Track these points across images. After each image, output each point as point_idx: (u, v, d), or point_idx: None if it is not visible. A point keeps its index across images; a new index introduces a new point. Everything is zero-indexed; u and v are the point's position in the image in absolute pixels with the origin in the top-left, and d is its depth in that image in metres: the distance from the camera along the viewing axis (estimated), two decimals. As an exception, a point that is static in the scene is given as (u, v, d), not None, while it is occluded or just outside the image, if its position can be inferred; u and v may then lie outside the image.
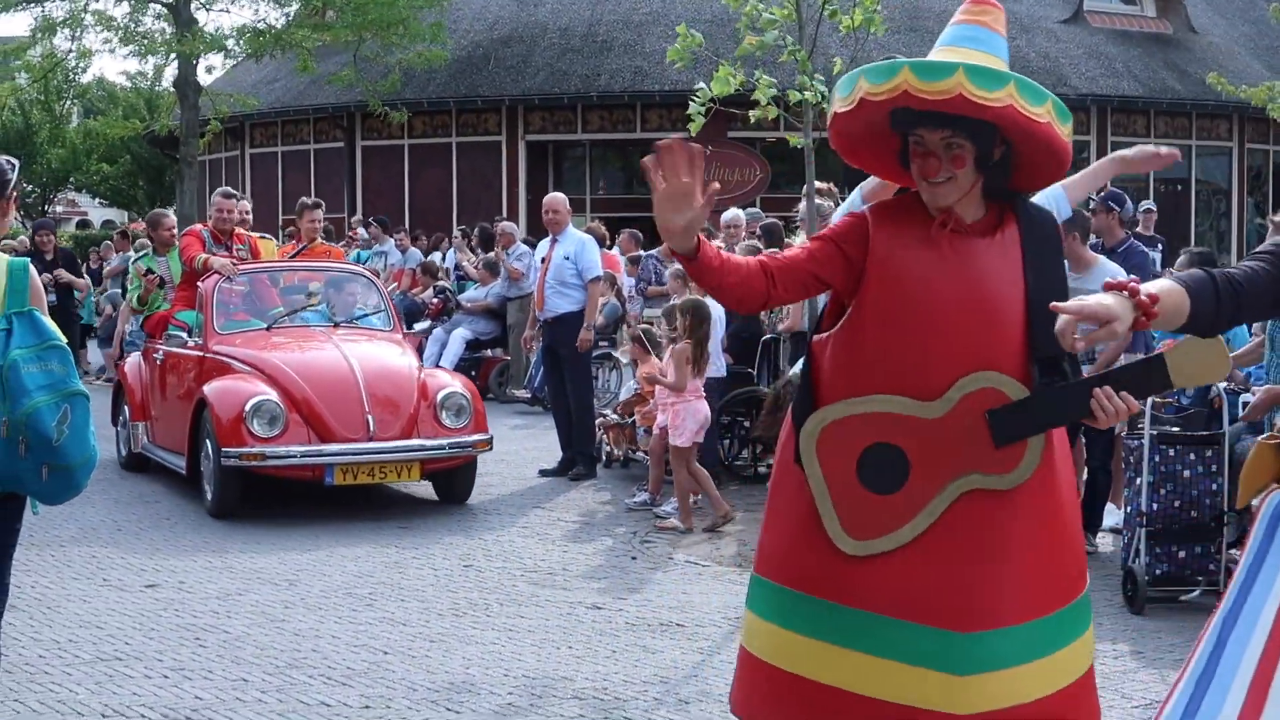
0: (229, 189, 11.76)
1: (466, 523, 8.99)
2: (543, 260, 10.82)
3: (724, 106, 8.41)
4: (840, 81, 3.48)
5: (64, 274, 16.11)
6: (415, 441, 9.03)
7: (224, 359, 9.55)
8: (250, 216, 12.88)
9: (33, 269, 4.07)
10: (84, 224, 50.06)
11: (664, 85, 22.99)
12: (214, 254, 10.52)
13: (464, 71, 24.95)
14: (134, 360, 11.20)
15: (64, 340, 4.00)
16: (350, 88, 24.36)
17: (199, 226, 11.26)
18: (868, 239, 3.44)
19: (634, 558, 8.06)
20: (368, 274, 11.54)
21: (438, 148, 25.60)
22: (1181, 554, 6.88)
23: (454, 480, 9.51)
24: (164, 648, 6.11)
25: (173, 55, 24.02)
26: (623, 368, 12.84)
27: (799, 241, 9.77)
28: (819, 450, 3.44)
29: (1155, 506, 6.86)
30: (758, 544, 3.70)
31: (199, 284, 10.31)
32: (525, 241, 16.22)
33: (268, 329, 10.02)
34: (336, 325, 10.21)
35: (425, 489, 9.82)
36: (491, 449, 9.56)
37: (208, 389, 9.17)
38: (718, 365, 9.91)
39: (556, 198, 11.10)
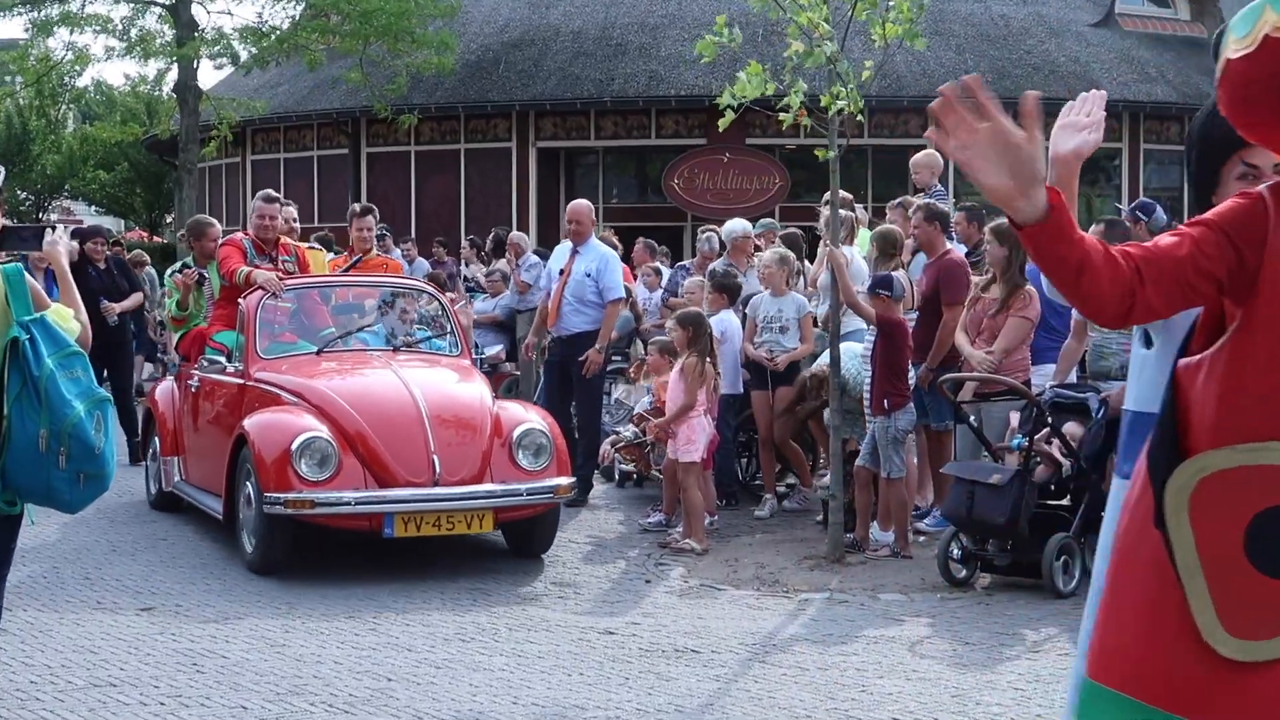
0: (271, 192, 10.37)
1: (473, 545, 8.80)
2: (561, 271, 10.28)
3: (751, 106, 8.13)
4: (1235, 20, 2.51)
5: (114, 308, 14.19)
6: (488, 486, 7.94)
7: (268, 388, 8.51)
8: (297, 225, 11.77)
9: (26, 273, 4.13)
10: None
11: (680, 90, 22.82)
12: (257, 266, 9.47)
13: (473, 76, 24.83)
14: (166, 387, 10.20)
15: (78, 346, 4.07)
16: (355, 92, 24.28)
17: (240, 235, 10.00)
18: (1267, 233, 2.58)
19: (647, 580, 7.97)
20: (432, 289, 10.20)
21: (446, 154, 25.49)
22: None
23: (532, 531, 8.37)
24: (160, 673, 6.03)
25: (173, 59, 23.91)
26: (635, 382, 12.61)
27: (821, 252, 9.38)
28: (1193, 511, 2.59)
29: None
30: (1093, 637, 2.80)
31: (240, 301, 9.12)
32: (536, 252, 15.98)
33: (318, 353, 8.96)
34: (396, 349, 9.14)
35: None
36: (574, 493, 8.72)
37: (248, 423, 8.12)
38: (733, 382, 9.72)
39: (580, 207, 10.45)
